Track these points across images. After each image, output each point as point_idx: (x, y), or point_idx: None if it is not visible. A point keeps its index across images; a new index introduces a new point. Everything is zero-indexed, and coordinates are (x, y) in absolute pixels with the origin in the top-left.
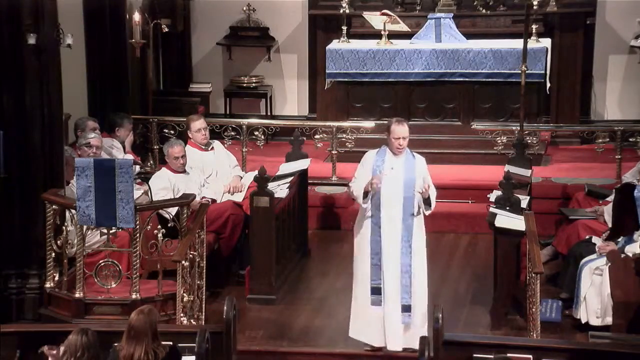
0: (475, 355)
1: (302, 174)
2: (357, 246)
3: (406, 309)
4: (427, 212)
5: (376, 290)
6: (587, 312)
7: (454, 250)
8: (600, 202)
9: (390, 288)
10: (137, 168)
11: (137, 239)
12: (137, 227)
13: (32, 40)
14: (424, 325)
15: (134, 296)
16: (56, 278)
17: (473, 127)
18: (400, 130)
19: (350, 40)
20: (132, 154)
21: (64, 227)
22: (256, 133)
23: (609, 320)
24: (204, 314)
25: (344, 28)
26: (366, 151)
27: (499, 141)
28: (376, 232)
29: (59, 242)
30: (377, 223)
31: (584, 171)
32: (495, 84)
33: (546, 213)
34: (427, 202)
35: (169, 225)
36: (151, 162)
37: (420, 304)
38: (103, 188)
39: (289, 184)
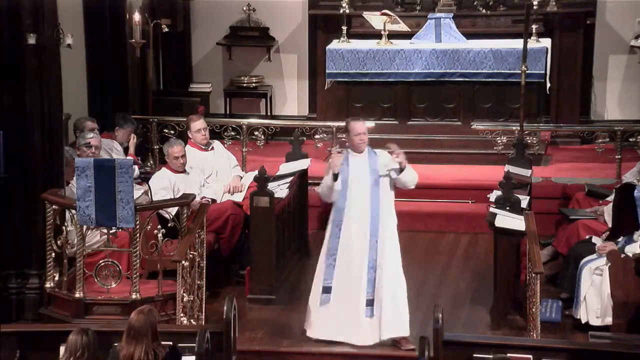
0: (475, 355)
1: (302, 174)
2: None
3: (369, 302)
4: (408, 179)
5: (327, 290)
6: (587, 312)
7: (454, 250)
8: (600, 202)
9: (350, 286)
10: (137, 170)
11: (137, 239)
12: (137, 227)
13: (32, 40)
14: (397, 317)
15: (134, 296)
16: (56, 278)
17: (473, 127)
18: (360, 126)
19: (350, 40)
20: (133, 157)
21: (64, 227)
22: (256, 133)
23: (609, 320)
24: (204, 314)
25: (344, 28)
26: None
27: (499, 141)
28: (335, 234)
29: (59, 242)
30: (338, 225)
31: (584, 171)
32: (495, 84)
33: (546, 213)
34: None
35: (169, 225)
36: (151, 162)
37: (387, 297)
38: (103, 188)
39: (289, 184)
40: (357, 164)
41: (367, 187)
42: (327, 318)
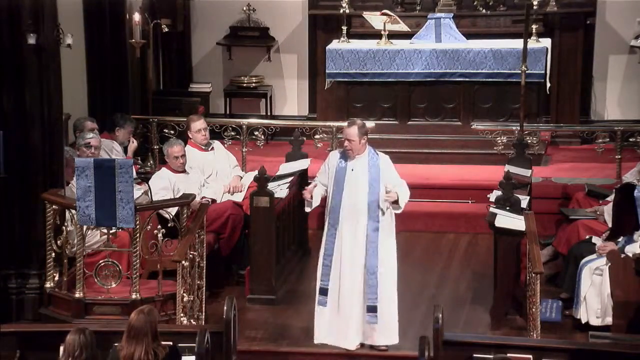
0: (475, 355)
1: (302, 174)
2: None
3: (372, 309)
4: (398, 211)
5: (323, 291)
6: (587, 312)
7: (454, 250)
8: (600, 202)
9: (347, 288)
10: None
11: (137, 239)
12: (137, 227)
13: (32, 40)
14: (392, 324)
15: (134, 296)
16: (56, 278)
17: (473, 127)
18: (346, 131)
19: (350, 40)
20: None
21: (64, 227)
22: (256, 133)
23: (609, 320)
24: (204, 314)
25: (344, 28)
26: None
27: (499, 141)
28: (332, 234)
29: (59, 242)
30: (334, 225)
31: (584, 171)
32: (495, 84)
33: (546, 213)
34: (396, 203)
35: (169, 225)
36: (151, 162)
37: (388, 303)
38: (103, 188)
39: (289, 184)
40: (354, 166)
41: (364, 190)
42: (326, 321)
